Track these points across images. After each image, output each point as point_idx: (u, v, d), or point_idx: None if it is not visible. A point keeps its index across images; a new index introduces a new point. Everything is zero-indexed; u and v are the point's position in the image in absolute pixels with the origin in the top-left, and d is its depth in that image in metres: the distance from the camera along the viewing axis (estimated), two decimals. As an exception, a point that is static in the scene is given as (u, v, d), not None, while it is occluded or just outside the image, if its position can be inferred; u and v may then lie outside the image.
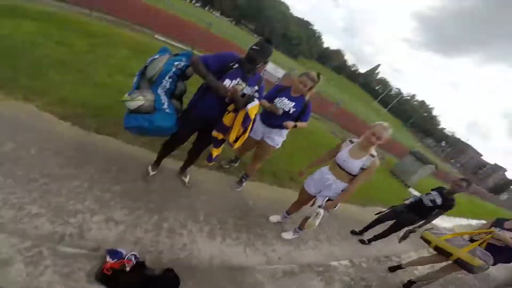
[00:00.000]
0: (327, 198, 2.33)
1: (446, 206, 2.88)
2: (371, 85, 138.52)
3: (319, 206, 2.30)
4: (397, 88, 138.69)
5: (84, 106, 2.85)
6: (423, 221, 3.01)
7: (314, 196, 2.51)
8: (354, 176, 2.22)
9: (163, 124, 1.79)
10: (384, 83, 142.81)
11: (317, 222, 2.30)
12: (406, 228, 3.12)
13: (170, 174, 2.64)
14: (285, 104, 2.50)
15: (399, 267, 3.27)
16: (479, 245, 2.53)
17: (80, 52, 4.33)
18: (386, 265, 3.37)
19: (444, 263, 2.88)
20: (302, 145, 5.67)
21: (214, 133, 2.02)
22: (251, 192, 3.21)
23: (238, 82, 1.89)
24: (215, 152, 2.13)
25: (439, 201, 2.89)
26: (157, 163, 2.41)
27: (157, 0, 10.81)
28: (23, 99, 2.60)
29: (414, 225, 3.03)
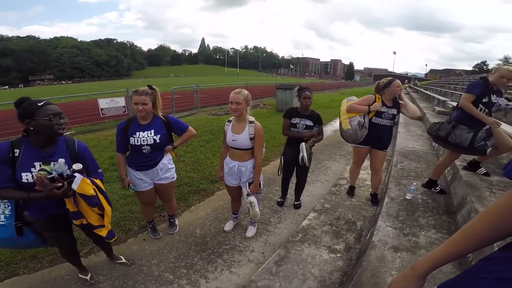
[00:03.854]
0: (247, 183, 2.33)
1: (315, 121, 2.83)
2: (212, 57, 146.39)
3: (248, 195, 2.32)
4: (231, 48, 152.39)
5: None
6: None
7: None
8: (251, 149, 2.26)
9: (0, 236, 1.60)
10: (219, 50, 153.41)
11: (257, 209, 2.32)
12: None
13: (106, 265, 2.29)
14: (144, 138, 2.12)
15: (352, 188, 3.41)
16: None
17: None
18: (342, 193, 3.47)
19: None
20: (198, 145, 5.40)
21: (75, 222, 1.70)
22: (190, 222, 2.94)
23: (39, 167, 1.48)
24: (103, 232, 1.76)
25: (308, 122, 2.81)
26: (81, 267, 2.11)
27: None
28: None
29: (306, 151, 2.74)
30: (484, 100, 2.43)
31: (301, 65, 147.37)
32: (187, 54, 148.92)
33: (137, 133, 2.11)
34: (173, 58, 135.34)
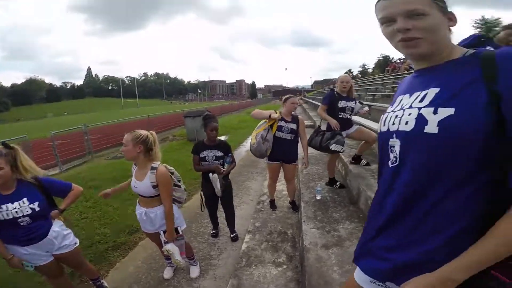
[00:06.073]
0: (162, 231, 2.14)
1: (224, 150, 2.79)
2: (103, 89, 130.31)
3: (165, 243, 2.13)
4: (127, 77, 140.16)
5: None
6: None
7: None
8: (159, 195, 2.05)
9: None
10: (112, 79, 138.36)
11: (177, 257, 2.11)
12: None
13: None
14: (17, 209, 1.75)
15: (272, 201, 3.61)
16: None
17: None
18: (266, 208, 3.61)
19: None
20: (100, 198, 4.42)
21: None
22: (121, 280, 2.53)
23: None
24: None
25: (218, 153, 2.76)
26: None
27: None
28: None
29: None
30: (338, 106, 2.99)
31: (209, 88, 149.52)
32: (68, 87, 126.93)
33: (3, 206, 1.69)
34: (49, 93, 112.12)
